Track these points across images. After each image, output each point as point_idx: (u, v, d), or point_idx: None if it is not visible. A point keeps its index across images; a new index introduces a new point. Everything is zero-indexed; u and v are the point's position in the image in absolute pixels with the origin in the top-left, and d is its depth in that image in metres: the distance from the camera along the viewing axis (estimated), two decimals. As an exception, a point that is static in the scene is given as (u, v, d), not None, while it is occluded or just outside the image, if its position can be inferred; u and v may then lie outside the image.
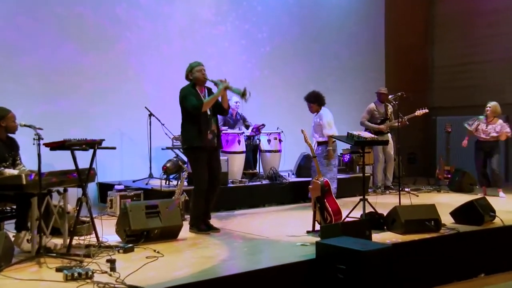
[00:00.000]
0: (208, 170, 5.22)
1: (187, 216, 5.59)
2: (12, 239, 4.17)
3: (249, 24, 9.20)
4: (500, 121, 7.97)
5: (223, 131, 7.10)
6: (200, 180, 5.20)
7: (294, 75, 9.61)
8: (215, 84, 5.26)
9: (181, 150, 7.06)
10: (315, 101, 7.03)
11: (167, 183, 6.84)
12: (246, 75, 8.91)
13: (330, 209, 5.21)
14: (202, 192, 5.22)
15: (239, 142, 7.27)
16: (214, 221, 5.60)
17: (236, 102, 7.79)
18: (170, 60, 8.16)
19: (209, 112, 5.23)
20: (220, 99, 5.28)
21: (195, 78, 5.25)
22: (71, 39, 7.29)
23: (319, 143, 7.01)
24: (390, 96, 7.80)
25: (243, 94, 5.15)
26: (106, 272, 3.70)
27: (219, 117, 5.73)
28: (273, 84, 9.32)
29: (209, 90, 5.41)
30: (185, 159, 6.93)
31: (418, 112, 8.26)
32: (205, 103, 5.14)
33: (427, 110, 8.31)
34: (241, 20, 9.08)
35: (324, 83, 9.48)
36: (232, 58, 8.84)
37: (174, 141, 7.28)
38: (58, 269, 3.74)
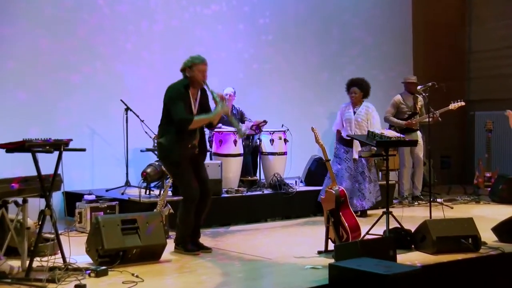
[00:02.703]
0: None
1: (172, 234, 5.59)
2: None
3: (249, 6, 9.20)
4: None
5: (216, 129, 7.11)
6: (189, 190, 5.20)
7: (304, 62, 9.63)
8: (213, 98, 5.26)
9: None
10: (365, 89, 7.13)
11: (148, 192, 6.84)
12: (241, 67, 8.93)
13: (346, 224, 5.22)
14: (193, 204, 5.22)
15: (235, 142, 7.28)
16: (204, 239, 5.61)
17: (227, 95, 7.77)
18: (151, 41, 8.17)
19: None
20: None
21: (192, 77, 5.19)
22: (27, 18, 7.28)
23: (362, 143, 6.90)
24: (419, 87, 7.82)
25: (240, 133, 5.38)
26: (74, 301, 3.71)
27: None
28: (274, 79, 9.33)
29: (204, 92, 5.37)
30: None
31: (453, 106, 8.27)
32: (195, 120, 5.12)
33: (463, 103, 8.33)
34: (239, 0, 9.09)
35: (341, 72, 9.50)
36: (226, 45, 8.83)
37: (156, 141, 7.28)
38: (15, 298, 3.75)
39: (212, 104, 5.41)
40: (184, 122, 5.08)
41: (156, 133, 7.12)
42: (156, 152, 7.26)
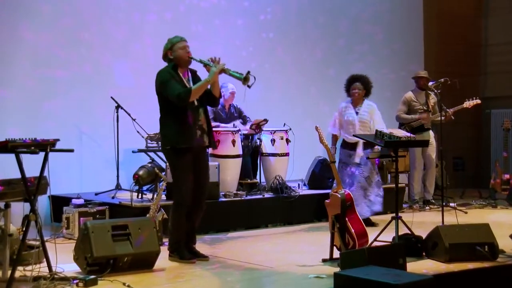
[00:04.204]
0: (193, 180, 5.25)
1: (166, 240, 5.60)
2: None
3: (249, 1, 9.23)
4: None
5: (213, 128, 7.10)
6: (182, 191, 5.21)
7: (308, 57, 9.64)
8: (205, 65, 5.27)
9: (156, 153, 7.09)
10: (369, 86, 7.06)
11: (140, 196, 6.85)
12: (238, 66, 8.77)
13: (353, 230, 5.23)
14: (184, 207, 5.23)
15: (233, 142, 7.29)
16: (201, 247, 5.62)
17: (232, 93, 7.77)
18: (143, 35, 8.19)
19: (195, 103, 5.25)
20: (209, 85, 5.29)
21: (176, 57, 5.25)
22: (9, 9, 7.29)
23: (368, 144, 6.82)
24: (430, 83, 7.83)
25: (245, 79, 5.16)
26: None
27: (208, 108, 5.74)
28: (275, 75, 9.34)
29: (194, 73, 5.42)
30: (163, 164, 6.96)
31: (468, 104, 8.28)
32: (193, 89, 5.13)
33: (479, 101, 8.34)
34: (240, -6, 9.11)
35: (348, 69, 9.49)
36: (223, 41, 8.84)
37: (149, 141, 7.29)
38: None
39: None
40: (183, 95, 5.07)
41: (149, 134, 7.23)
42: (150, 153, 7.29)
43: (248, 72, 5.16)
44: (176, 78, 5.21)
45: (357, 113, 6.98)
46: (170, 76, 5.19)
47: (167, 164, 5.97)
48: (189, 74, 5.37)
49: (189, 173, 5.22)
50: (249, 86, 5.24)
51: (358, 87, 6.97)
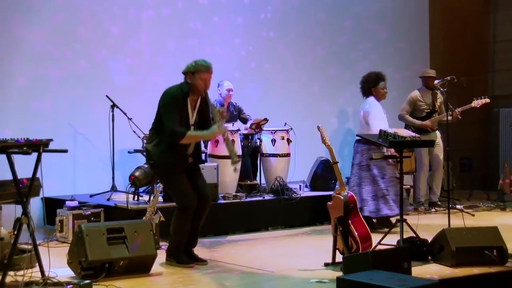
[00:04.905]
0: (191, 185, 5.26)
1: (163, 244, 5.60)
2: None
3: (249, -2, 9.24)
4: None
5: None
6: (184, 198, 5.20)
7: (310, 54, 9.64)
8: (211, 112, 5.29)
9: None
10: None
11: (136, 198, 6.86)
12: (237, 65, 8.94)
13: (356, 233, 5.23)
14: (189, 211, 5.21)
15: (232, 143, 7.28)
16: (199, 250, 5.62)
17: (229, 90, 7.80)
18: (139, 31, 8.20)
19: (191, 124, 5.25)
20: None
21: (193, 84, 5.17)
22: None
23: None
24: (436, 81, 7.81)
25: (235, 160, 5.34)
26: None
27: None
28: (275, 73, 9.35)
29: (205, 100, 5.35)
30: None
31: (476, 103, 8.25)
32: (188, 135, 5.13)
33: (488, 100, 8.32)
34: (240, -9, 9.11)
35: (351, 67, 9.51)
36: (221, 40, 8.86)
37: (145, 141, 7.28)
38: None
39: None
40: (175, 135, 5.09)
41: (146, 133, 7.21)
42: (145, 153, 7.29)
43: (239, 157, 5.27)
44: (181, 106, 5.16)
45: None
46: (174, 104, 5.14)
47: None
48: (199, 102, 5.31)
49: (183, 177, 5.22)
50: (232, 165, 5.53)
51: (385, 86, 7.00)
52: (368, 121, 6.85)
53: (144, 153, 7.13)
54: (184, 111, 5.18)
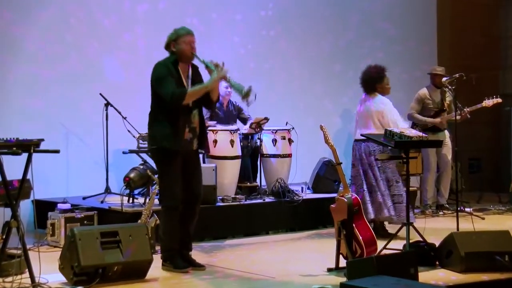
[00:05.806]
0: (183, 182, 5.26)
1: (159, 248, 5.61)
2: None
3: (250, -5, 9.23)
4: None
5: (210, 128, 7.13)
6: (170, 195, 5.23)
7: (313, 51, 9.65)
8: (207, 67, 5.29)
9: (148, 154, 7.08)
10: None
11: (131, 200, 6.86)
12: (235, 64, 8.80)
13: (360, 238, 5.24)
14: (175, 211, 5.24)
15: (232, 142, 7.30)
16: (197, 255, 5.63)
17: (227, 87, 7.81)
18: (134, 25, 8.21)
19: (190, 104, 5.26)
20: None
21: (179, 51, 5.26)
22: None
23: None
24: (444, 79, 7.81)
25: (245, 94, 5.20)
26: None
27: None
28: (276, 71, 9.35)
29: (196, 69, 5.43)
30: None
31: (487, 103, 8.23)
32: (189, 92, 5.15)
33: (500, 100, 8.27)
34: (239, -13, 9.12)
35: (356, 65, 9.48)
36: (219, 37, 8.85)
37: (141, 141, 7.29)
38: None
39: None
40: (177, 96, 5.09)
41: (141, 133, 7.23)
42: (142, 155, 7.30)
43: (250, 88, 5.18)
44: (174, 75, 5.21)
45: None
46: (167, 71, 5.20)
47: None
48: (191, 69, 5.38)
49: (177, 174, 5.23)
50: (248, 104, 5.31)
51: (389, 81, 6.99)
52: (389, 118, 6.68)
53: (140, 150, 7.23)
54: (178, 79, 5.22)
